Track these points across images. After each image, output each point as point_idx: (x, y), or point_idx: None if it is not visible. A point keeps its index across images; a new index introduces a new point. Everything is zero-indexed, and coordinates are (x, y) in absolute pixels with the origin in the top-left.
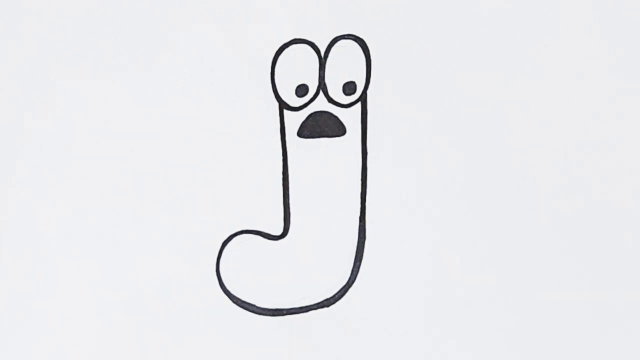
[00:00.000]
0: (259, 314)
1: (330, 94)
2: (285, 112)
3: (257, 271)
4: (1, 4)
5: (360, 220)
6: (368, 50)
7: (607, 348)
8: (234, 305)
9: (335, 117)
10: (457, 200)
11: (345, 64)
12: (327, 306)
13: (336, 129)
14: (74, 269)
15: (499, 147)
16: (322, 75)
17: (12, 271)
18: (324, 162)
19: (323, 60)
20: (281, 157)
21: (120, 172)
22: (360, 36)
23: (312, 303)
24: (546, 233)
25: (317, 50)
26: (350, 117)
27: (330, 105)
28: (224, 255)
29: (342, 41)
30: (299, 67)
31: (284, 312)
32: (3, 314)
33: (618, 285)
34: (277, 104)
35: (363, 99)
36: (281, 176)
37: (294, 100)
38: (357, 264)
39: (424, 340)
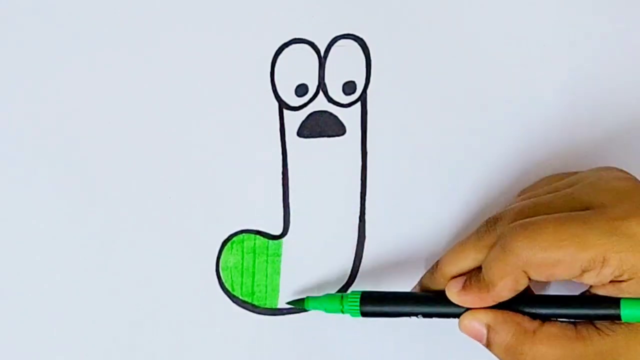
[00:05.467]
0: (259, 313)
1: (330, 94)
2: (285, 111)
3: (257, 271)
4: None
5: (360, 220)
6: (368, 50)
7: None
8: (234, 305)
9: (335, 116)
10: (457, 200)
11: (345, 64)
12: None
13: (336, 128)
14: (72, 268)
15: (500, 147)
16: (321, 74)
17: (10, 271)
18: (324, 162)
19: (323, 59)
20: (281, 157)
21: (120, 172)
22: (360, 36)
23: None
24: None
25: (317, 50)
26: (350, 117)
27: (330, 104)
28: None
29: (342, 41)
30: (299, 66)
31: (284, 312)
32: (3, 315)
33: None
34: (276, 103)
35: (363, 98)
36: (281, 176)
37: (293, 100)
38: (357, 263)
39: (423, 340)
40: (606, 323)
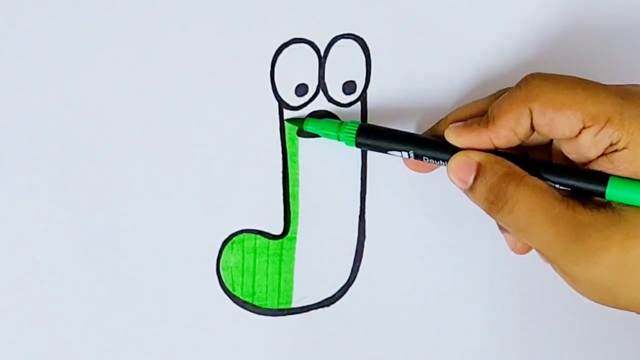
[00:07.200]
0: (259, 314)
1: (330, 94)
2: (285, 111)
3: (257, 271)
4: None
5: (360, 220)
6: (368, 50)
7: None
8: (234, 305)
9: (335, 116)
10: (457, 199)
11: (345, 64)
12: (327, 306)
13: None
14: (72, 268)
15: None
16: (321, 74)
17: (10, 271)
18: (324, 162)
19: (323, 59)
20: (281, 157)
21: (119, 172)
22: (360, 36)
23: (312, 303)
24: None
25: (317, 50)
26: (350, 117)
27: (330, 104)
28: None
29: (342, 40)
30: (299, 66)
31: (284, 312)
32: (2, 315)
33: None
34: (276, 103)
35: (363, 98)
36: (281, 176)
37: (293, 100)
38: (357, 263)
39: (424, 340)
40: (593, 202)
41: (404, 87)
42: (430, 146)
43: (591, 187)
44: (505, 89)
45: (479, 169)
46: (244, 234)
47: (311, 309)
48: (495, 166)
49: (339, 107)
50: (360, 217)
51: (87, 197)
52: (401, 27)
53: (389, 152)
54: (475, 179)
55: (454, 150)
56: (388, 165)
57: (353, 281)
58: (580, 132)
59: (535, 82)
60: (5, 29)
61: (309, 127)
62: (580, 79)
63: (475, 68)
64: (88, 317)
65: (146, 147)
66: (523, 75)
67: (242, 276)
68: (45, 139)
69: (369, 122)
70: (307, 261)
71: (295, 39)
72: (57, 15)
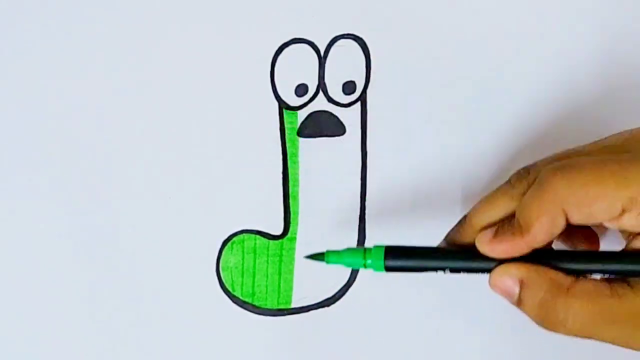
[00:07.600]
0: (259, 314)
1: (330, 94)
2: (285, 111)
3: (257, 271)
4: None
5: (360, 220)
6: (368, 50)
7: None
8: (234, 305)
9: (335, 116)
10: (457, 200)
11: (345, 64)
12: (327, 306)
13: (336, 128)
14: (72, 268)
15: (502, 147)
16: (321, 74)
17: (10, 271)
18: (324, 162)
19: (323, 59)
20: (281, 157)
21: (119, 172)
22: (360, 36)
23: (312, 303)
24: None
25: (317, 50)
26: (350, 117)
27: (330, 104)
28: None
29: (342, 40)
30: (299, 66)
31: (284, 312)
32: (1, 315)
33: None
34: (276, 103)
35: (363, 98)
36: (281, 176)
37: (293, 100)
38: None
39: (424, 340)
40: (628, 282)
41: (404, 87)
42: (465, 260)
43: (633, 268)
44: (519, 170)
45: (522, 286)
46: (244, 234)
47: (311, 309)
48: (538, 281)
49: (338, 107)
50: (360, 217)
51: (87, 197)
52: (401, 27)
53: (423, 271)
54: (520, 295)
55: (490, 259)
56: (388, 165)
57: (353, 281)
58: (621, 215)
59: (559, 181)
60: (5, 29)
61: (330, 259)
62: (600, 160)
63: (475, 68)
64: (88, 317)
65: (146, 147)
66: (523, 76)
67: (242, 276)
68: (45, 139)
69: (369, 122)
70: (307, 261)
71: (295, 39)
72: (57, 15)
